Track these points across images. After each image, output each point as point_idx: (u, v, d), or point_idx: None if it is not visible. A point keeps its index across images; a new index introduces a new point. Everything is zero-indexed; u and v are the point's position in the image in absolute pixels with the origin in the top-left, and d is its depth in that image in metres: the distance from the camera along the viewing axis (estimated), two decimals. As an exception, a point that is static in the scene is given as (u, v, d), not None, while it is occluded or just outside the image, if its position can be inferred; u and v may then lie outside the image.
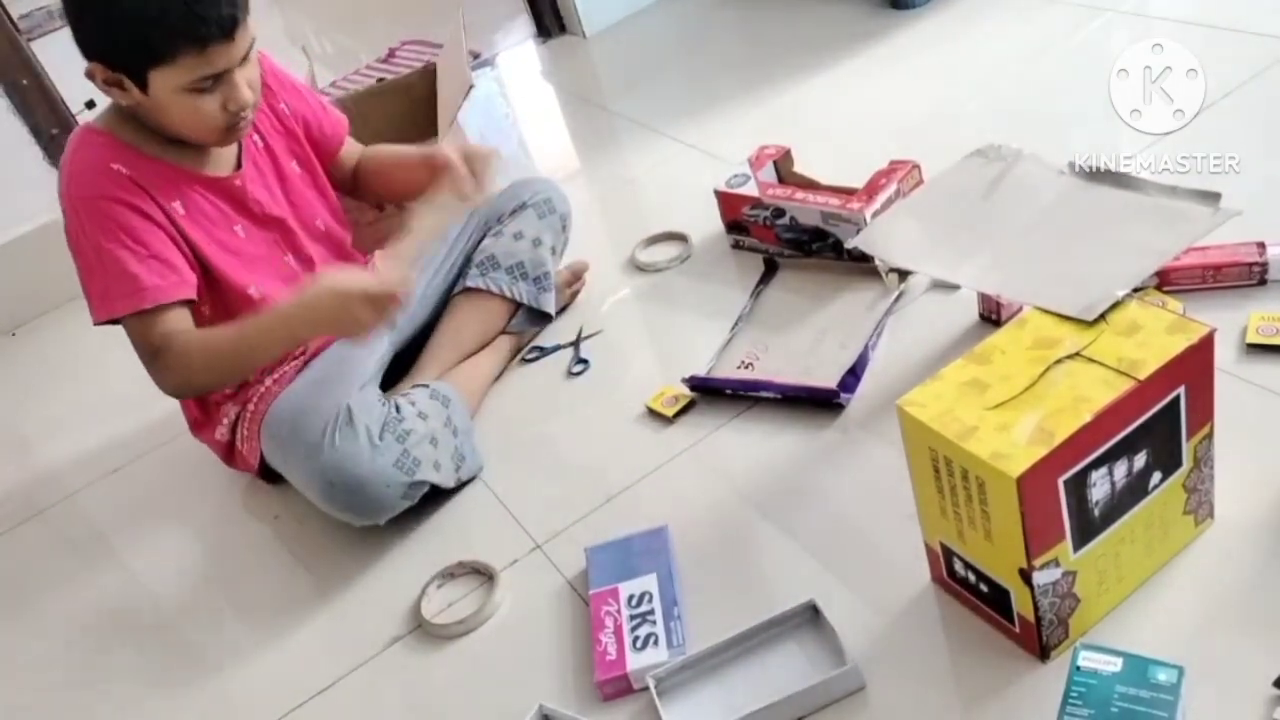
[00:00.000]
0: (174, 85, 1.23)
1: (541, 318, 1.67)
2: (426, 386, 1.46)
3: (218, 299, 1.39)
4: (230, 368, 1.35)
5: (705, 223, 1.78)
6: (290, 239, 1.47)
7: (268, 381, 1.45)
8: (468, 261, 1.65)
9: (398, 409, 1.38)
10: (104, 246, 1.28)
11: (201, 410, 1.50)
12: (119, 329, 1.34)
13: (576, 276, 1.76)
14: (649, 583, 1.19)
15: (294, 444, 1.36)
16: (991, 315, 1.40)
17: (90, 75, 1.25)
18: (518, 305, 1.63)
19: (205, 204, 1.36)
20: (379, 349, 1.53)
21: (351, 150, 1.58)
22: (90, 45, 1.24)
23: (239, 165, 1.41)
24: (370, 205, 1.63)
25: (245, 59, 1.27)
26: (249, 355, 1.33)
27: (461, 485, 1.43)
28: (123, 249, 1.28)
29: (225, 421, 1.49)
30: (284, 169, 1.47)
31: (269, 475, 1.48)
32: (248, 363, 1.36)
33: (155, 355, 1.30)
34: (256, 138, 1.44)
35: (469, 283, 1.62)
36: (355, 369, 1.44)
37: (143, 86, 1.24)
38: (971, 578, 1.02)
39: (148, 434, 1.77)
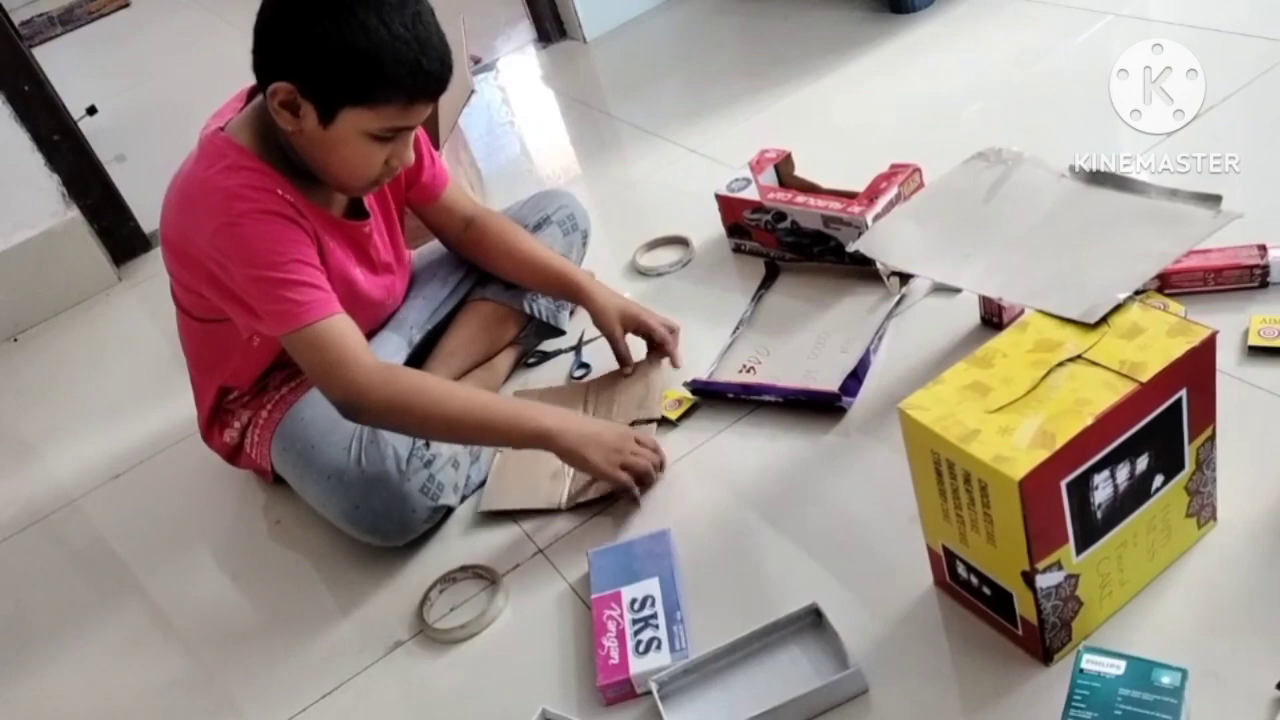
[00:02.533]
0: (361, 128, 1.21)
1: (554, 332, 1.67)
2: None
3: None
4: (420, 423, 1.29)
5: (706, 227, 1.78)
6: (393, 282, 1.50)
7: (284, 389, 1.44)
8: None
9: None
10: (276, 261, 1.23)
11: (214, 415, 1.50)
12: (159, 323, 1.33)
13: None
14: (651, 587, 1.19)
15: (313, 461, 1.35)
16: (993, 318, 1.40)
17: (272, 92, 1.20)
18: (530, 318, 1.63)
19: (335, 246, 1.36)
20: (396, 360, 1.52)
21: (459, 202, 1.56)
22: (291, 65, 1.19)
23: (357, 210, 1.41)
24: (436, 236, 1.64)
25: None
26: (453, 430, 1.30)
27: (464, 499, 1.43)
28: (294, 262, 1.24)
29: (236, 425, 1.49)
30: (393, 214, 1.49)
31: (281, 479, 1.48)
32: (447, 433, 1.31)
33: (342, 367, 1.24)
34: None
35: (488, 294, 1.61)
36: None
37: (327, 121, 1.21)
38: (974, 581, 1.02)
39: (149, 440, 1.77)
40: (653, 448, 1.36)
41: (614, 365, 1.56)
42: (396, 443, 1.33)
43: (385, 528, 1.33)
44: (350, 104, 1.20)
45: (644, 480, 1.33)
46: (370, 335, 1.52)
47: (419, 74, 1.18)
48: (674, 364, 1.51)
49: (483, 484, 1.44)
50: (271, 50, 1.21)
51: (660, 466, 1.35)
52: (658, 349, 1.52)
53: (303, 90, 1.19)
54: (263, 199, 1.24)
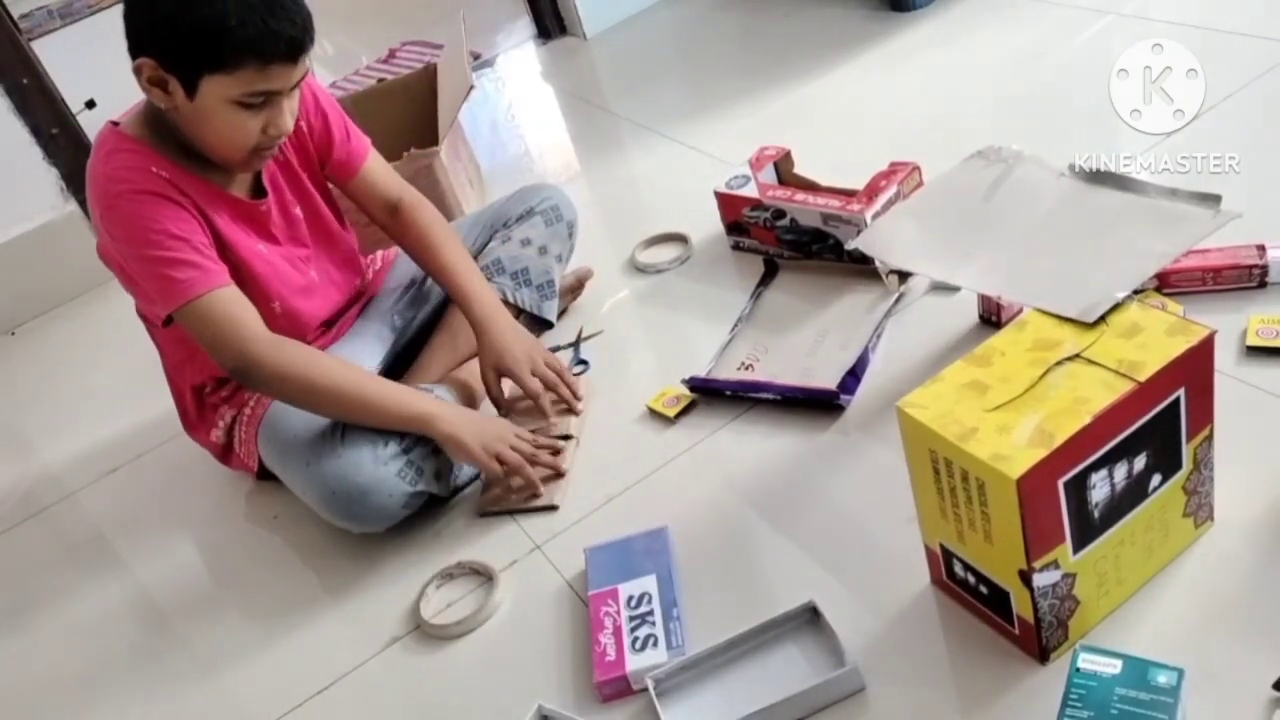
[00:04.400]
0: (224, 95, 1.22)
1: (542, 325, 1.66)
2: (429, 392, 1.45)
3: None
4: (305, 394, 1.32)
5: (705, 224, 1.78)
6: (309, 256, 1.47)
7: None
8: None
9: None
10: (153, 239, 1.26)
11: (197, 411, 1.50)
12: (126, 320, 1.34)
13: (580, 283, 1.75)
14: (648, 584, 1.19)
15: (293, 450, 1.36)
16: (991, 317, 1.40)
17: (137, 70, 1.22)
18: (519, 311, 1.62)
19: (230, 222, 1.36)
20: (379, 355, 1.52)
21: (381, 184, 1.52)
22: (148, 40, 1.21)
23: (259, 188, 1.41)
24: (366, 218, 1.62)
25: (294, 87, 1.27)
26: (339, 401, 1.31)
27: (458, 491, 1.43)
28: (172, 239, 1.27)
29: (221, 425, 1.49)
30: (305, 187, 1.47)
31: (267, 476, 1.48)
32: (333, 405, 1.32)
33: (234, 337, 1.28)
34: (278, 153, 1.42)
35: None
36: None
37: (191, 91, 1.22)
38: (971, 579, 1.02)
39: (146, 434, 1.77)
40: (551, 450, 1.40)
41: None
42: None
43: (362, 513, 1.33)
44: (207, 72, 1.20)
45: (518, 472, 1.35)
46: (344, 327, 1.53)
47: (267, 35, 1.18)
48: (548, 415, 1.46)
49: (477, 477, 1.44)
50: (131, 27, 1.22)
51: (557, 471, 1.38)
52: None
53: (162, 64, 1.21)
54: (136, 178, 1.27)
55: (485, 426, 1.37)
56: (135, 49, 1.22)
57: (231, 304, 1.29)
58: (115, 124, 1.32)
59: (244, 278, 1.36)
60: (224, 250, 1.34)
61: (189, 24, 1.18)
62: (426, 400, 1.36)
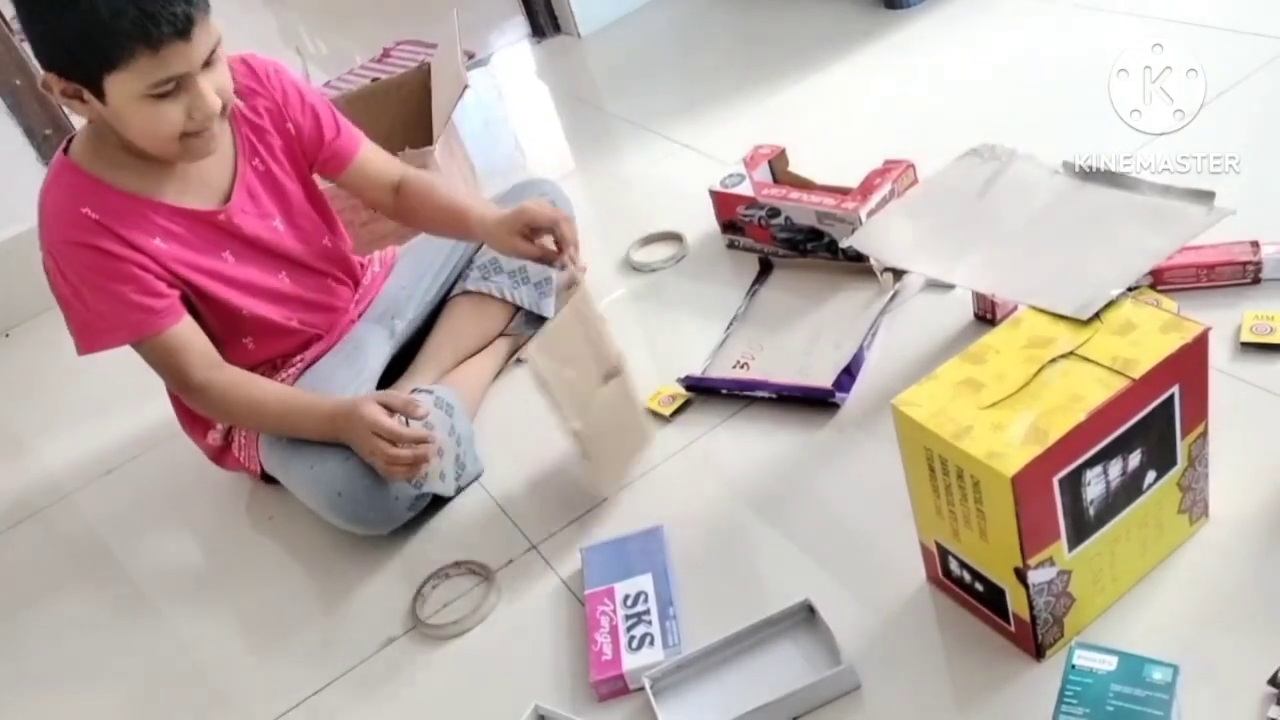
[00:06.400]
0: (131, 91, 1.16)
1: (541, 321, 1.66)
2: (430, 393, 1.44)
3: (214, 312, 1.39)
4: (263, 426, 1.41)
5: (700, 223, 1.78)
6: (285, 259, 1.45)
7: None
8: (469, 263, 1.64)
9: (405, 420, 1.33)
10: (79, 289, 1.28)
11: (189, 413, 1.50)
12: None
13: (574, 281, 1.75)
14: (644, 583, 1.19)
15: (298, 453, 1.36)
16: (986, 314, 1.40)
17: (46, 87, 1.19)
18: (517, 309, 1.62)
19: (187, 235, 1.33)
20: (378, 358, 1.52)
21: (382, 169, 1.51)
22: (44, 55, 1.17)
23: (229, 192, 1.37)
24: (365, 206, 1.62)
25: (210, 63, 1.20)
26: (281, 425, 1.38)
27: (459, 490, 1.43)
28: (94, 290, 1.28)
29: (219, 427, 1.48)
30: (286, 191, 1.43)
31: (269, 478, 1.48)
32: (280, 430, 1.39)
33: (185, 388, 1.36)
34: (258, 162, 1.39)
35: (470, 286, 1.61)
36: (355, 376, 1.44)
37: (100, 95, 1.17)
38: (967, 577, 1.02)
39: (142, 435, 1.77)
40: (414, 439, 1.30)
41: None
42: None
43: (369, 515, 1.33)
44: (104, 72, 1.15)
45: (391, 471, 1.30)
46: (343, 331, 1.53)
47: (144, 18, 1.11)
48: (559, 265, 1.39)
49: (478, 477, 1.44)
50: (32, 47, 1.19)
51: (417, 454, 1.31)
52: (558, 251, 1.39)
53: (64, 75, 1.18)
54: (65, 226, 1.26)
55: (355, 441, 1.31)
56: (41, 67, 1.19)
57: (161, 350, 1.32)
58: (69, 142, 1.30)
59: (197, 292, 1.36)
60: (171, 273, 1.32)
61: (64, 29, 1.12)
62: (332, 432, 1.33)
